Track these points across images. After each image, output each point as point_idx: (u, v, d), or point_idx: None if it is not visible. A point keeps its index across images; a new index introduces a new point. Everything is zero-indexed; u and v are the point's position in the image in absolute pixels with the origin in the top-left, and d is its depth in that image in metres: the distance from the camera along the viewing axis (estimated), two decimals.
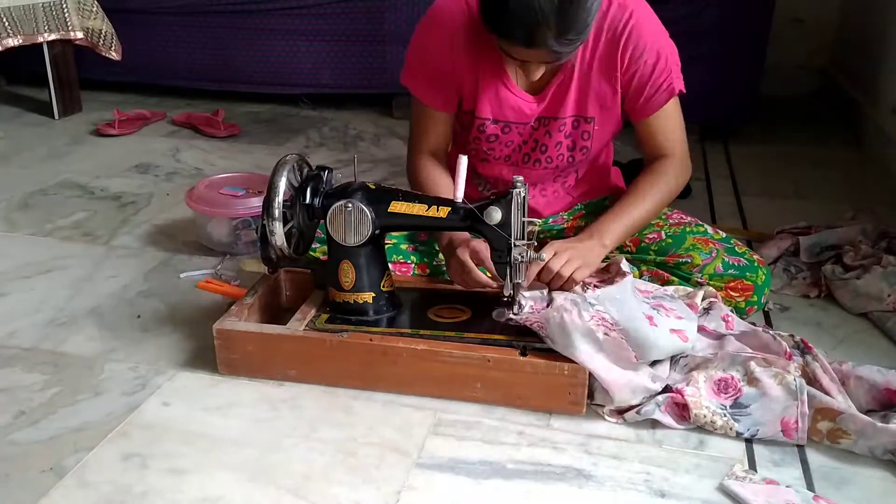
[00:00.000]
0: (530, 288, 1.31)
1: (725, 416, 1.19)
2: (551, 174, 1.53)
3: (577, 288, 1.29)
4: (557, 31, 1.19)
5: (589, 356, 1.20)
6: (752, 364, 1.23)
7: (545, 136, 1.46)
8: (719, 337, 1.32)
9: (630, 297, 1.27)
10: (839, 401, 1.18)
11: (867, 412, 1.19)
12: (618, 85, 1.41)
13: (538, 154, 1.48)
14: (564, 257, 1.32)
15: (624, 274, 1.32)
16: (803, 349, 1.30)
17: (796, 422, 1.16)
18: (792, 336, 1.33)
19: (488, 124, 1.45)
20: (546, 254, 1.31)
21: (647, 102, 1.41)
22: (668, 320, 1.25)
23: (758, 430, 1.18)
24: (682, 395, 1.20)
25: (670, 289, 1.39)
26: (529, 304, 1.28)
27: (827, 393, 1.20)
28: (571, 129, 1.46)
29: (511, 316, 1.27)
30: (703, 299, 1.37)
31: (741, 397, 1.20)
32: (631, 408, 1.22)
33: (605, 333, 1.21)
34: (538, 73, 1.34)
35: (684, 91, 1.43)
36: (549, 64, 1.32)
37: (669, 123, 1.45)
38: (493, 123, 1.45)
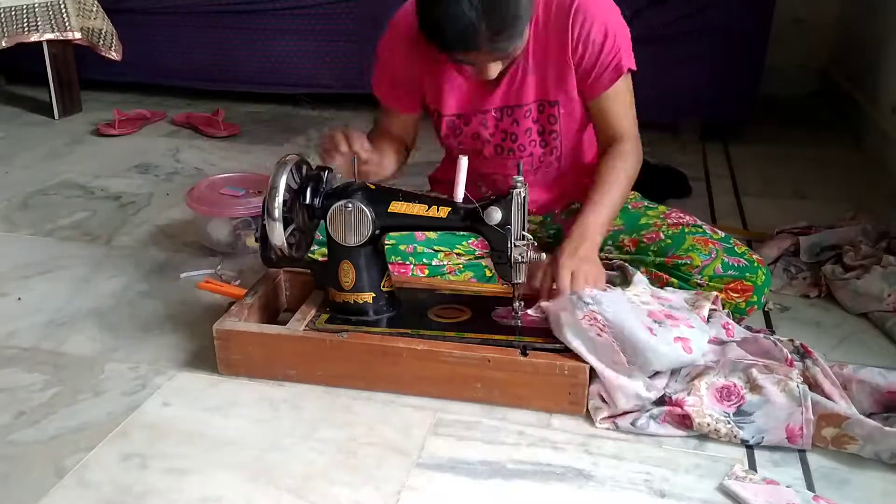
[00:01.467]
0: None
1: (729, 423, 1.18)
2: (528, 163, 1.54)
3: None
4: (490, 32, 1.23)
5: (583, 353, 1.21)
6: (754, 371, 1.22)
7: (512, 125, 1.49)
8: (720, 344, 1.31)
9: (624, 303, 1.27)
10: (842, 406, 1.18)
11: (869, 415, 1.19)
12: (571, 64, 1.42)
13: (510, 143, 1.51)
14: (580, 277, 1.30)
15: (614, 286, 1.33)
16: (803, 354, 1.29)
17: (801, 428, 1.16)
18: (791, 341, 1.32)
19: (454, 119, 1.50)
20: (562, 279, 1.30)
21: (595, 82, 1.42)
22: (675, 330, 1.23)
23: (762, 437, 1.17)
24: (682, 407, 1.20)
25: (684, 294, 1.38)
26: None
27: (829, 397, 1.19)
28: (538, 114, 1.48)
29: (515, 308, 1.29)
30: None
31: (744, 405, 1.19)
32: (623, 413, 1.22)
33: (598, 334, 1.20)
34: (494, 71, 1.36)
35: (634, 69, 1.43)
36: (499, 61, 1.33)
37: (620, 103, 1.45)
38: (457, 118, 1.50)
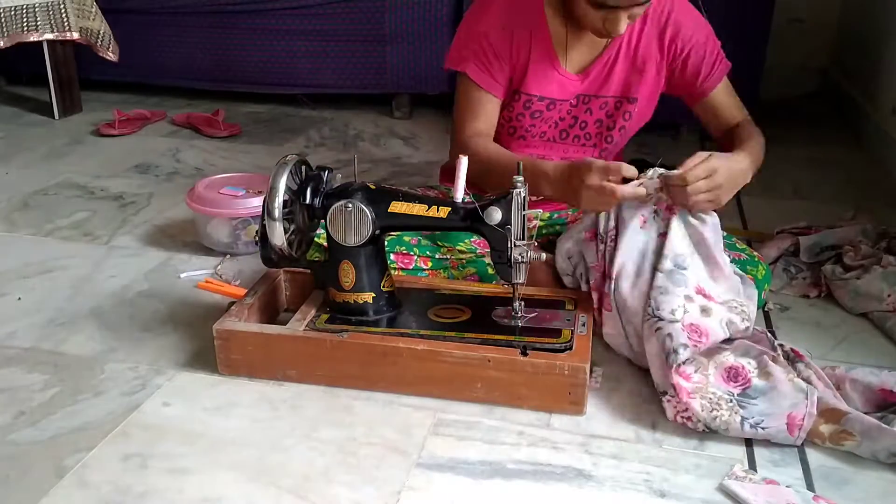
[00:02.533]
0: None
1: (732, 401, 1.19)
2: (588, 153, 1.57)
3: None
4: None
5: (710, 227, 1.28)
6: (766, 358, 1.24)
7: (585, 113, 1.52)
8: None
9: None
10: (841, 403, 1.18)
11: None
12: (663, 68, 1.48)
13: (577, 130, 1.54)
14: (720, 179, 1.28)
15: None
16: (794, 358, 1.29)
17: (803, 419, 1.16)
18: (781, 346, 1.32)
19: (535, 101, 1.50)
20: (707, 164, 1.27)
21: (708, 77, 1.49)
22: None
23: (762, 420, 1.17)
24: (688, 380, 1.21)
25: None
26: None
27: None
28: (613, 109, 1.52)
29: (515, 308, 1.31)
30: None
31: (750, 388, 1.20)
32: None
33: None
34: (625, 25, 1.36)
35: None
36: (634, 15, 1.35)
37: (732, 94, 1.54)
38: (538, 101, 1.50)
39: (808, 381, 1.23)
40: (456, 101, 1.52)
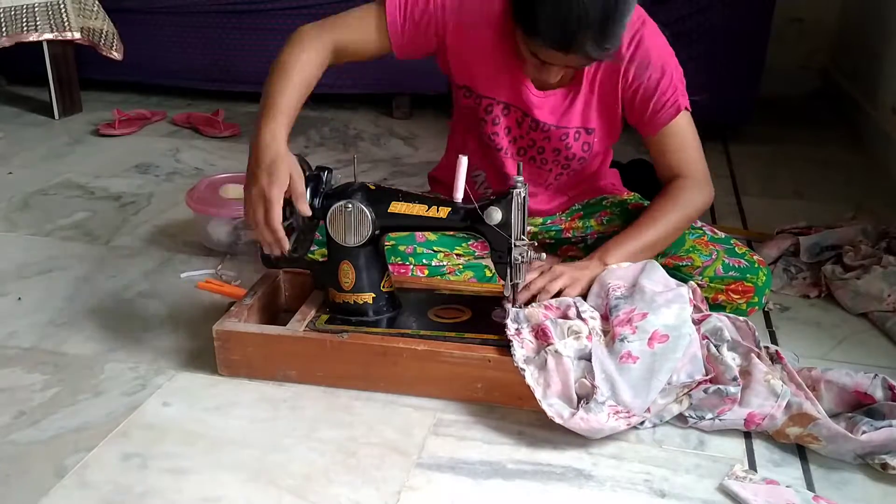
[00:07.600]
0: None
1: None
2: (543, 176, 1.54)
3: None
4: (597, 39, 1.20)
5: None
6: (752, 356, 1.24)
7: (544, 139, 1.48)
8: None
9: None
10: (813, 408, 1.19)
11: (835, 414, 1.20)
12: (618, 98, 1.42)
13: (534, 153, 1.50)
14: (549, 276, 1.34)
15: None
16: (775, 360, 1.29)
17: (763, 419, 1.17)
18: (767, 348, 1.32)
19: (494, 104, 1.47)
20: (535, 273, 1.33)
21: (653, 117, 1.41)
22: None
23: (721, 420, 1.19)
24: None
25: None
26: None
27: None
28: (573, 141, 1.47)
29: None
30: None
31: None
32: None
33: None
34: (557, 76, 1.35)
35: (689, 108, 1.43)
36: (572, 68, 1.32)
37: (681, 141, 1.44)
38: (497, 104, 1.46)
39: (783, 382, 1.24)
40: (347, 12, 1.43)
